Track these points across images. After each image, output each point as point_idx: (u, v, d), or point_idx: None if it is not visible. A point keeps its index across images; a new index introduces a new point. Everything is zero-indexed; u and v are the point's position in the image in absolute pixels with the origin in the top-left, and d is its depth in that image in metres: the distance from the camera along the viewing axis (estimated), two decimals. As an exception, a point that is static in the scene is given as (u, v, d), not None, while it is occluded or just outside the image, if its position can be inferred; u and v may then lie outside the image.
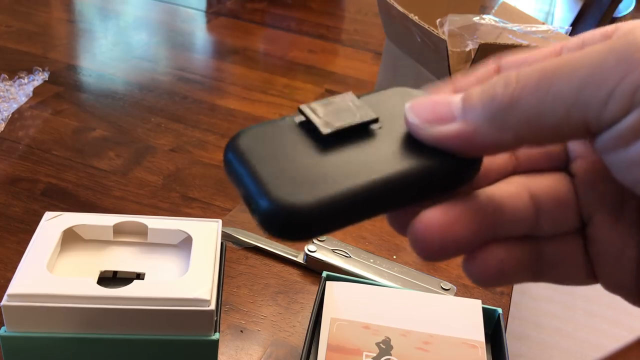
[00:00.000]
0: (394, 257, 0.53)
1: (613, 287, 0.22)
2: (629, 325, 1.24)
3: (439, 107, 0.20)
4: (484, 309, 0.42)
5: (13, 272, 0.33)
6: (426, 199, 0.21)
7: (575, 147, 0.23)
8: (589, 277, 0.22)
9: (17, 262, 0.34)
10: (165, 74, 0.82)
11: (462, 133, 0.19)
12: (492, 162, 0.22)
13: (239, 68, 0.88)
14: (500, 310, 0.43)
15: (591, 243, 0.22)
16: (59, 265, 0.36)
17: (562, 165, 0.23)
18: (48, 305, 0.32)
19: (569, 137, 0.19)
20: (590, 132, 0.18)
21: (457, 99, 0.20)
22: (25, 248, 0.35)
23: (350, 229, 0.56)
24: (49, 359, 0.34)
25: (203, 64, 0.88)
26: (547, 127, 0.18)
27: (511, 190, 0.21)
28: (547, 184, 0.22)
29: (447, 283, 0.49)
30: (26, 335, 0.32)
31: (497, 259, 0.21)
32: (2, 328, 0.32)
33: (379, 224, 0.57)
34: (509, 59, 0.22)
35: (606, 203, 0.21)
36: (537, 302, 1.29)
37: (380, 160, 0.20)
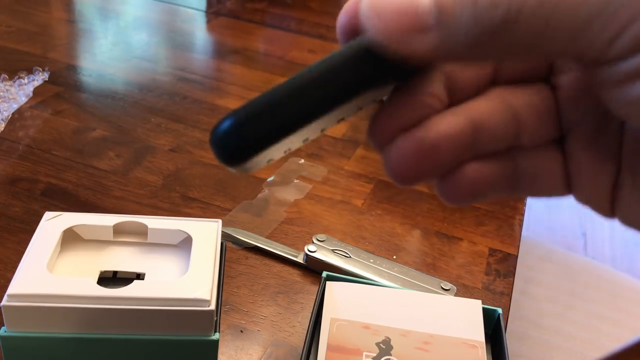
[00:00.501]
0: (394, 257, 0.53)
1: (586, 200, 0.22)
2: (629, 325, 1.24)
3: (405, 10, 0.17)
4: (484, 309, 0.42)
5: (13, 272, 0.33)
6: (360, 94, 0.19)
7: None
8: (565, 188, 0.22)
9: (17, 262, 0.34)
10: (165, 74, 0.82)
11: (439, 48, 0.16)
12: (469, 75, 0.20)
13: (239, 68, 0.88)
14: (500, 310, 0.43)
15: (569, 156, 0.21)
16: (59, 265, 0.36)
17: (543, 75, 0.21)
18: (48, 305, 0.32)
19: (562, 59, 0.18)
20: (587, 63, 0.17)
21: (427, 1, 0.16)
22: (25, 248, 0.35)
23: (351, 229, 0.56)
24: (49, 359, 0.34)
25: (203, 64, 0.88)
26: (542, 54, 0.17)
27: (492, 107, 0.20)
28: (528, 96, 0.21)
29: (447, 283, 0.49)
30: (26, 335, 0.32)
31: (471, 177, 0.20)
32: (2, 328, 0.32)
33: (378, 224, 0.57)
34: None
35: (588, 119, 0.21)
36: (538, 302, 1.29)
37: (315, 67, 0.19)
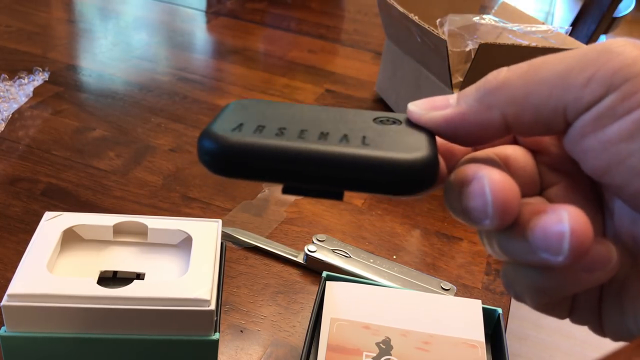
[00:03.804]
0: (394, 257, 0.53)
1: (582, 322, 0.24)
2: (629, 325, 1.24)
3: (437, 100, 0.23)
4: (484, 309, 0.42)
5: (13, 272, 0.33)
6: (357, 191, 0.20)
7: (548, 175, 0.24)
8: (567, 314, 0.24)
9: (17, 262, 0.34)
10: (165, 74, 0.82)
11: (455, 114, 0.22)
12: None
13: (239, 68, 0.88)
14: (500, 310, 0.43)
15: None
16: (59, 265, 0.36)
17: (537, 192, 0.25)
18: (48, 305, 0.32)
19: (547, 123, 0.20)
20: (567, 118, 0.20)
21: (454, 95, 0.23)
22: (25, 248, 0.35)
23: (350, 229, 0.56)
24: (49, 359, 0.34)
25: (203, 64, 0.88)
26: (529, 108, 0.20)
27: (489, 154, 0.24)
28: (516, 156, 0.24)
29: (447, 283, 0.49)
30: (26, 335, 0.32)
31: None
32: (2, 328, 0.32)
33: (379, 224, 0.57)
34: None
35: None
36: (537, 302, 1.29)
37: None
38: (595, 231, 0.22)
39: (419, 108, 0.23)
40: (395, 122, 0.23)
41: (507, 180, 0.19)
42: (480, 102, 0.21)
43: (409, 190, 0.20)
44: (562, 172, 0.24)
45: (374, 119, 0.23)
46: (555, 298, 0.22)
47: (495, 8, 0.80)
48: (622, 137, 0.19)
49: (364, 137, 0.21)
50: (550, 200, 0.24)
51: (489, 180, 0.19)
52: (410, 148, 0.20)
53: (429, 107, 0.23)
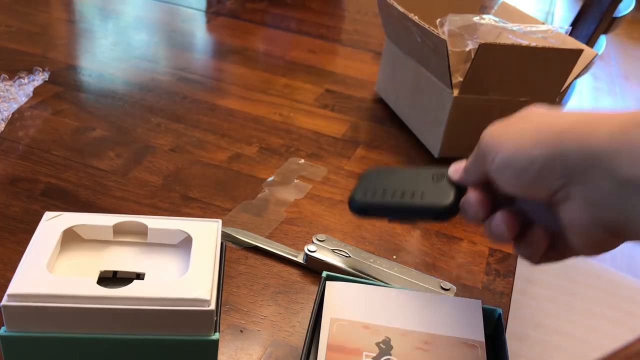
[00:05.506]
0: (394, 257, 0.53)
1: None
2: (629, 325, 1.24)
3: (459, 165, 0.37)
4: (484, 309, 0.42)
5: (13, 272, 0.33)
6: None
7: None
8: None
9: (17, 262, 0.34)
10: (165, 74, 0.82)
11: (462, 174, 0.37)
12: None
13: (239, 68, 0.88)
14: (500, 310, 0.43)
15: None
16: (59, 265, 0.36)
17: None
18: (48, 305, 0.32)
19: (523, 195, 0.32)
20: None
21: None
22: (25, 248, 0.35)
23: (350, 229, 0.56)
24: (49, 359, 0.34)
25: (203, 64, 0.89)
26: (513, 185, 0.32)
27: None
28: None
29: (447, 283, 0.49)
30: (26, 335, 0.32)
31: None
32: (2, 328, 0.32)
33: (378, 224, 0.57)
34: None
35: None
36: (537, 302, 1.29)
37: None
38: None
39: (452, 173, 0.37)
40: (443, 177, 0.37)
41: (514, 217, 0.33)
42: (466, 172, 0.36)
43: (443, 219, 0.37)
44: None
45: (432, 176, 0.38)
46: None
47: (495, 8, 0.80)
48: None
49: (422, 193, 0.37)
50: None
51: (504, 220, 0.33)
52: (444, 198, 0.36)
53: (458, 176, 0.37)
